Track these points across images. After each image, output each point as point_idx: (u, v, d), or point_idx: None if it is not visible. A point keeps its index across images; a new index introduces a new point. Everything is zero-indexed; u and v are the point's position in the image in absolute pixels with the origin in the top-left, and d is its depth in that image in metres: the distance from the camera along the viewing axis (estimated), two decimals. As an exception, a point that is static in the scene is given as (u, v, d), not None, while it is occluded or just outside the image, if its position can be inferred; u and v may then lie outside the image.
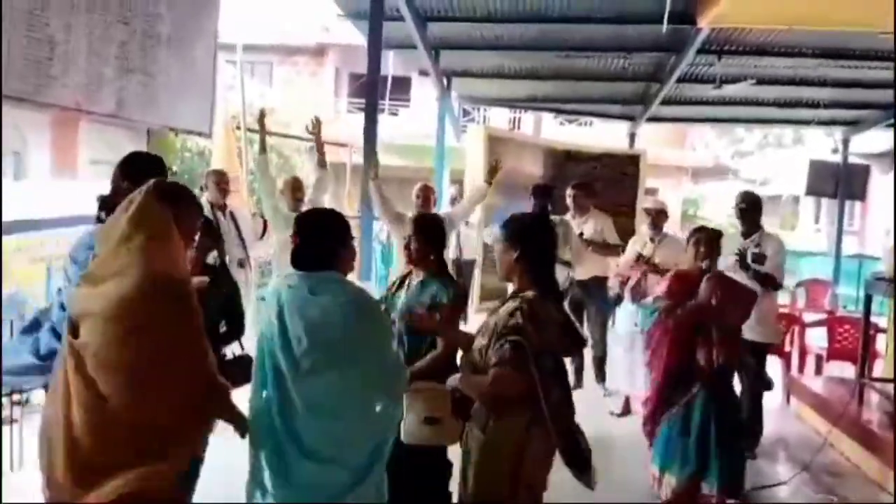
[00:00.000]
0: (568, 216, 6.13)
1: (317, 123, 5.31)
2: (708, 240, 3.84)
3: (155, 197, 2.20)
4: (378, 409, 2.26)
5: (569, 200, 6.11)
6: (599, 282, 5.92)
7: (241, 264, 5.30)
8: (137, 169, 2.65)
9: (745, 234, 4.88)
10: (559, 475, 2.60)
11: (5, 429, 3.90)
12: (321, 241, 2.35)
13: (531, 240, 2.56)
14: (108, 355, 2.08)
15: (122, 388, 2.08)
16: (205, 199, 5.47)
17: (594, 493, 2.62)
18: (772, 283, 4.69)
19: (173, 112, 5.21)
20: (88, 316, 2.14)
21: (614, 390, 5.79)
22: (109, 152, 10.68)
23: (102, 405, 2.07)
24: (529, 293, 2.48)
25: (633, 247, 5.59)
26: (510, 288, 2.65)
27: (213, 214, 5.30)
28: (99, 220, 2.65)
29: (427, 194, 5.55)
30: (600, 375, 6.00)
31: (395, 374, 2.34)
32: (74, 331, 2.16)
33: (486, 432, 2.45)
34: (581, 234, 5.90)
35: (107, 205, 2.63)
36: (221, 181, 5.41)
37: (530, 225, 2.65)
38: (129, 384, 2.08)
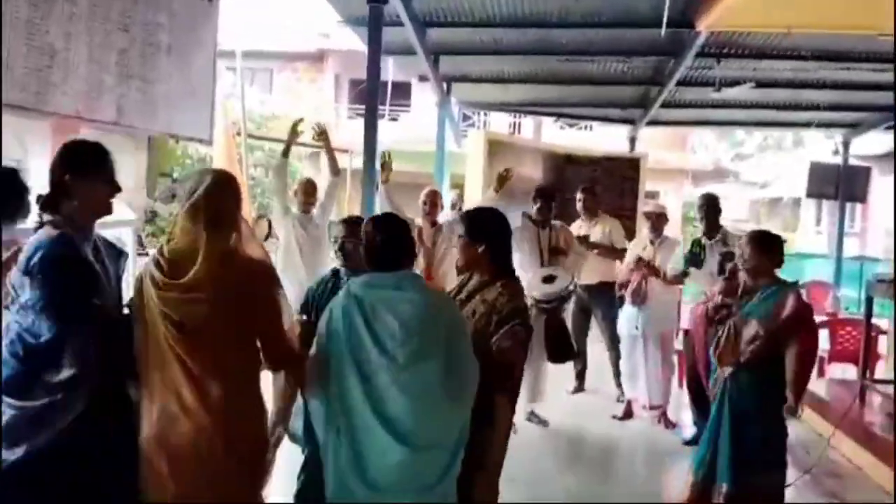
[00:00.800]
0: (578, 221, 6.15)
1: (322, 131, 5.32)
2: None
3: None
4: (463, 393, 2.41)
5: (578, 204, 6.13)
6: (607, 287, 5.91)
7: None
8: (82, 160, 2.39)
9: (709, 235, 5.05)
10: (566, 479, 2.60)
11: None
12: (400, 241, 2.52)
13: (495, 233, 2.73)
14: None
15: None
16: None
17: (598, 493, 2.63)
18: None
19: (173, 119, 5.20)
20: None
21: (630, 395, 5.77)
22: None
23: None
24: (503, 280, 2.67)
25: (634, 250, 5.60)
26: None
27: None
28: (41, 224, 2.33)
29: (434, 199, 5.55)
30: (619, 378, 5.96)
31: (473, 359, 2.45)
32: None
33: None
34: (586, 238, 5.89)
35: (47, 204, 2.34)
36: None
37: (491, 219, 2.79)
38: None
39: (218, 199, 2.30)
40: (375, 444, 2.26)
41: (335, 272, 3.31)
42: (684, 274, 5.38)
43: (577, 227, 6.06)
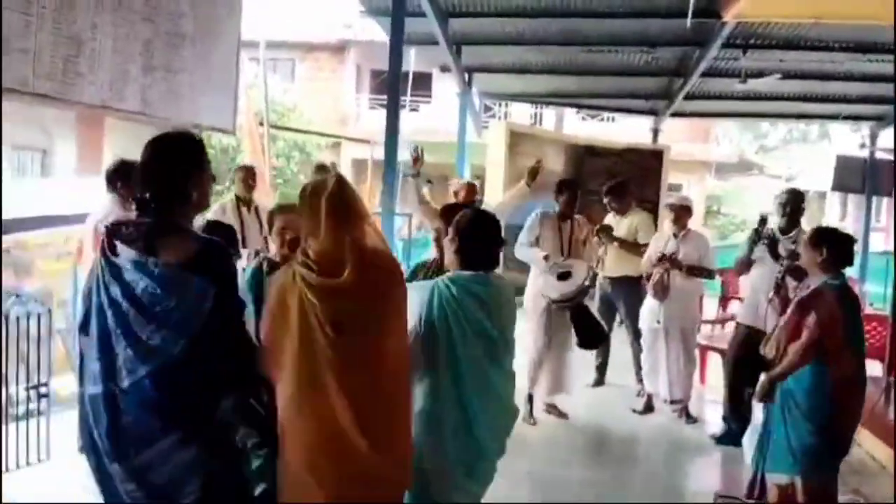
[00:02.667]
0: (610, 215, 6.11)
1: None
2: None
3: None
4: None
5: (606, 202, 6.07)
6: (632, 280, 5.85)
7: (258, 254, 5.37)
8: (195, 154, 2.20)
9: (785, 231, 4.87)
10: (584, 472, 2.61)
11: (31, 421, 3.97)
12: (497, 241, 2.75)
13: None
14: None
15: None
16: (232, 193, 5.62)
17: (617, 487, 2.64)
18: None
19: (197, 109, 5.24)
20: None
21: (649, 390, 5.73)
22: (135, 148, 10.87)
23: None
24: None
25: (657, 243, 5.55)
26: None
27: (237, 208, 5.48)
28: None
29: (472, 190, 5.46)
30: (640, 372, 5.91)
31: None
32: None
33: None
34: (608, 228, 5.84)
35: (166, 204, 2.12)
36: (248, 177, 5.62)
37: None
38: None
39: (353, 195, 2.31)
40: (487, 411, 2.54)
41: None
42: (707, 272, 5.34)
43: (608, 222, 6.04)
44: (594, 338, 4.99)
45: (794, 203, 4.93)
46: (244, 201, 5.54)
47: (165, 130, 2.22)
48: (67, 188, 7.15)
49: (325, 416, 2.16)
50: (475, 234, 2.67)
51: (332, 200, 2.24)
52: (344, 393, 2.15)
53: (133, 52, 4.36)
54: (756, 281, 4.93)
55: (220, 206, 5.62)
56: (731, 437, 4.99)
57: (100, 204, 4.34)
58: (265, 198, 6.87)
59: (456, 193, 5.45)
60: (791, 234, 4.81)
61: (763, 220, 4.86)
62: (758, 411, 4.09)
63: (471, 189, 5.50)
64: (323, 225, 2.23)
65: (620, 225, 5.95)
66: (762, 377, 3.62)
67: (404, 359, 2.36)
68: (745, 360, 4.95)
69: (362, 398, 2.17)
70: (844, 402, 3.53)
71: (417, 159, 5.08)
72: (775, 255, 4.58)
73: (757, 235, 4.82)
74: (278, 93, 14.19)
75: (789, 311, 3.57)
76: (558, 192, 5.44)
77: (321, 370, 2.15)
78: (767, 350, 3.69)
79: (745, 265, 4.99)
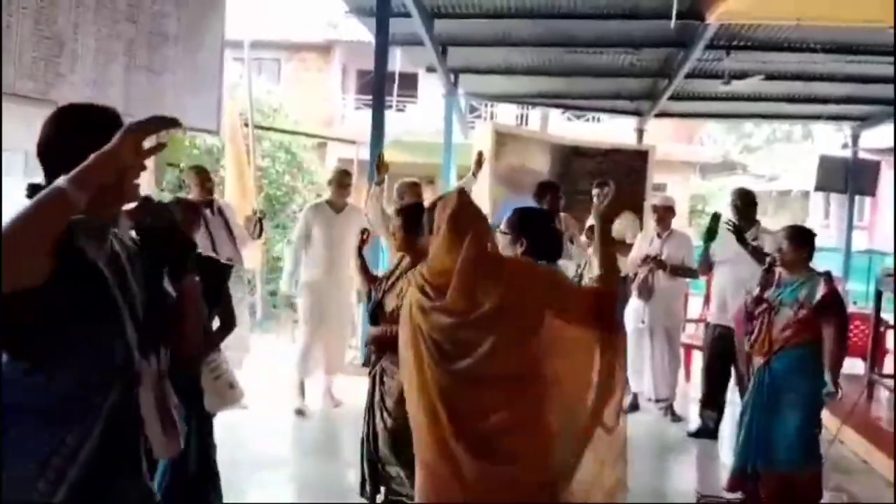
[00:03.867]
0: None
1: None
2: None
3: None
4: None
5: (595, 200, 6.01)
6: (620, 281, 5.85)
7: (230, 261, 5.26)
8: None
9: (744, 229, 4.88)
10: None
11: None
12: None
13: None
14: None
15: None
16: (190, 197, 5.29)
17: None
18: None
19: (180, 109, 5.20)
20: None
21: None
22: (118, 149, 10.76)
23: None
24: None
25: (641, 244, 5.58)
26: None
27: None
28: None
29: (417, 191, 5.44)
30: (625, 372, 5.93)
31: None
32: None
33: None
34: (593, 229, 5.83)
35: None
36: (203, 179, 5.33)
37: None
38: None
39: (476, 212, 2.26)
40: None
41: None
42: (691, 272, 5.36)
43: (591, 221, 6.01)
44: None
45: (745, 201, 5.01)
46: (204, 203, 5.13)
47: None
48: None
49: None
50: (541, 228, 2.72)
51: (455, 220, 2.14)
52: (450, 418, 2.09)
53: (116, 52, 4.34)
54: (720, 281, 5.00)
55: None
56: (706, 432, 5.08)
57: None
58: (248, 199, 6.82)
59: (402, 195, 5.38)
60: (750, 232, 4.86)
61: (715, 217, 4.92)
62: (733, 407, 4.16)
63: (415, 188, 5.48)
64: (440, 244, 2.16)
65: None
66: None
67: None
68: (718, 358, 5.03)
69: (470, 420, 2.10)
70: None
71: (380, 167, 5.09)
72: (743, 242, 4.61)
73: (710, 234, 4.87)
74: (263, 93, 14.11)
75: (803, 311, 3.64)
76: (540, 195, 5.45)
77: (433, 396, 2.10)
78: (757, 349, 3.75)
79: (707, 266, 5.08)
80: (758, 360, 3.81)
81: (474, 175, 5.36)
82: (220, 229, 5.20)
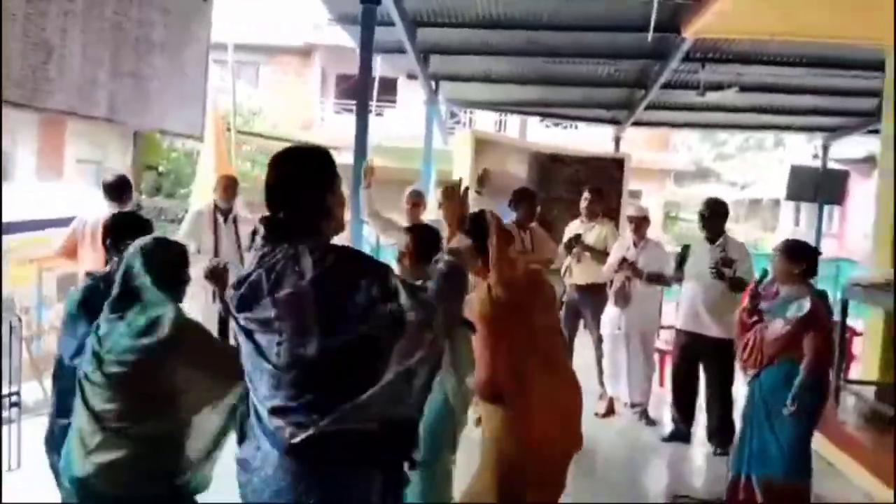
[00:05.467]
0: (576, 221, 6.17)
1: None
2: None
3: None
4: None
5: (583, 203, 6.09)
6: (597, 288, 5.92)
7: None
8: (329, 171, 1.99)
9: (711, 240, 5.05)
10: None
11: (3, 430, 3.93)
12: None
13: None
14: None
15: None
16: (212, 200, 5.47)
17: (578, 488, 2.73)
18: (743, 287, 4.78)
19: (165, 115, 5.25)
20: None
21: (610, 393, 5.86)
22: (96, 151, 10.68)
23: None
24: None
25: (618, 252, 5.68)
26: None
27: (214, 216, 5.33)
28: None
29: (417, 200, 5.51)
30: (602, 376, 6.03)
31: None
32: None
33: None
34: (578, 238, 5.89)
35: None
36: (229, 185, 5.45)
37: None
38: None
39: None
40: None
41: None
42: (665, 280, 5.49)
43: (575, 227, 6.07)
44: None
45: (713, 212, 5.11)
46: (222, 210, 5.36)
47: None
48: (27, 193, 7.04)
49: None
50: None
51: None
52: None
53: (102, 58, 4.36)
54: (690, 290, 5.13)
55: (195, 213, 5.49)
56: (679, 436, 5.23)
57: (95, 209, 4.49)
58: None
59: (408, 203, 5.45)
60: (718, 243, 5.00)
61: (686, 247, 5.17)
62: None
63: (417, 195, 5.56)
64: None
65: (590, 235, 5.99)
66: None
67: None
68: (684, 363, 5.17)
69: None
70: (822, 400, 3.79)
71: (367, 172, 5.18)
72: (721, 277, 4.78)
73: (680, 263, 5.06)
74: (243, 97, 14.10)
75: (788, 326, 3.68)
76: (516, 203, 5.52)
77: None
78: (746, 359, 3.86)
79: (678, 280, 5.26)
80: (751, 372, 3.86)
81: (478, 192, 5.38)
82: (229, 237, 5.33)
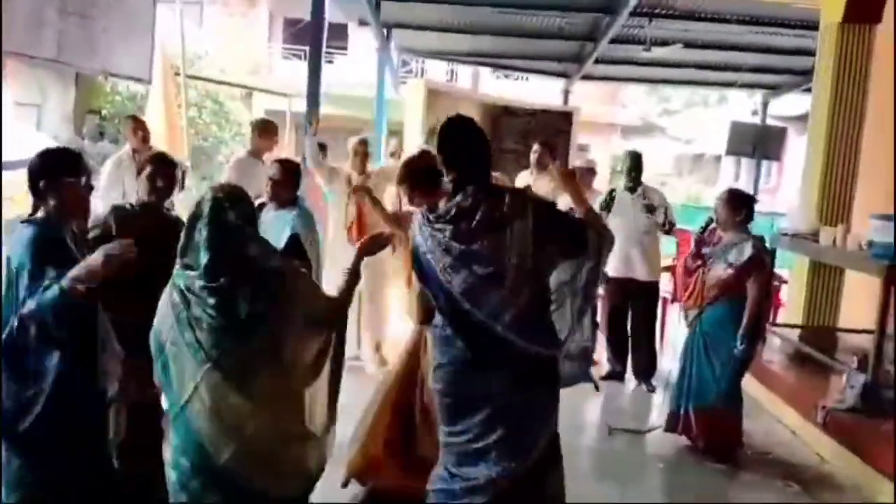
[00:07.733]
0: (525, 172, 6.32)
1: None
2: None
3: None
4: None
5: (532, 157, 6.24)
6: None
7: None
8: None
9: (632, 190, 5.40)
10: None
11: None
12: None
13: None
14: None
15: None
16: (126, 146, 5.23)
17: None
18: (673, 229, 5.43)
19: (112, 57, 5.17)
20: None
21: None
22: (36, 95, 10.30)
23: None
24: None
25: (564, 204, 5.84)
26: None
27: (133, 161, 4.92)
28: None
29: (364, 149, 5.48)
30: None
31: None
32: None
33: None
34: (528, 189, 6.02)
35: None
36: (138, 128, 5.20)
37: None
38: None
39: None
40: None
41: None
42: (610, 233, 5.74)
43: (523, 178, 6.22)
44: None
45: (633, 164, 5.49)
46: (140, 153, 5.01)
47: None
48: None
49: None
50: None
51: None
52: None
53: (49, -4, 4.27)
54: (617, 237, 5.39)
55: (115, 159, 5.24)
56: (614, 375, 5.62)
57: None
58: (179, 150, 6.77)
59: (355, 153, 5.45)
60: (639, 192, 5.39)
61: (611, 192, 5.46)
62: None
63: (363, 144, 5.53)
64: None
65: (538, 185, 6.14)
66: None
67: None
68: (619, 307, 5.53)
69: None
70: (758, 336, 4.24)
71: (312, 123, 5.27)
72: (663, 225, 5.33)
73: (607, 204, 5.31)
74: (189, 40, 13.70)
75: (731, 270, 4.00)
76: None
77: None
78: (687, 300, 4.14)
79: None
80: (692, 312, 4.22)
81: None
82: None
